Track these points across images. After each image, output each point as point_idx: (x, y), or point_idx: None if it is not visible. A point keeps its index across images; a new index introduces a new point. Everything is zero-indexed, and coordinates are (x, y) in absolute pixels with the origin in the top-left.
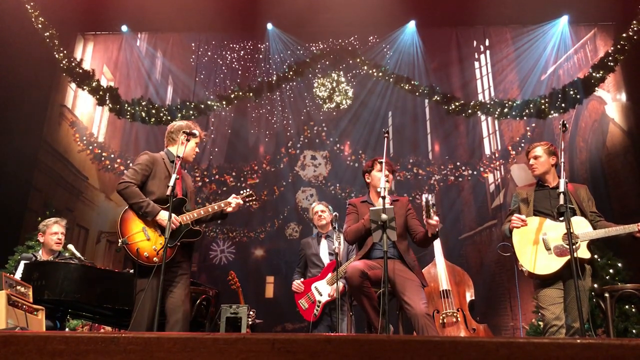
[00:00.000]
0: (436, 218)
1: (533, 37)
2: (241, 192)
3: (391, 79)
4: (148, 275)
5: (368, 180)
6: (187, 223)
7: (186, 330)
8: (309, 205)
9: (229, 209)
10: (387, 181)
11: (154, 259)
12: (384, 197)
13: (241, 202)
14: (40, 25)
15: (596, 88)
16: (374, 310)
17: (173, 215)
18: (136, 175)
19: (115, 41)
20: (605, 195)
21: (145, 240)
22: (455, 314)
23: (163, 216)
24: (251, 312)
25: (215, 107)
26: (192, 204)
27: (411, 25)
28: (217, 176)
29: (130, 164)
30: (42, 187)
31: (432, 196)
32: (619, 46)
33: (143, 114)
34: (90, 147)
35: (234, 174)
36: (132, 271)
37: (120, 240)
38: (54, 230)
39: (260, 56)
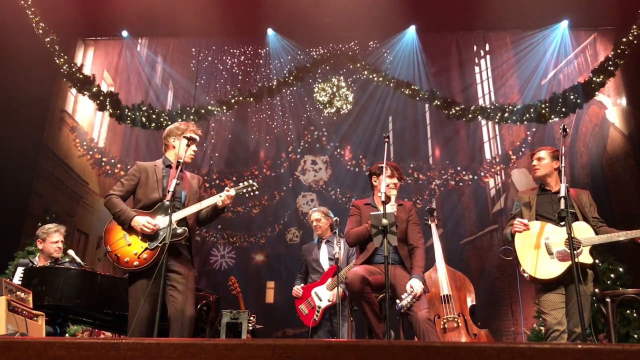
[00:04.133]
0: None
1: (533, 41)
2: (240, 184)
3: (391, 84)
4: (136, 282)
5: (375, 183)
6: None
7: (190, 335)
8: (310, 210)
9: (219, 203)
10: (395, 187)
11: (135, 262)
12: (384, 202)
13: (232, 193)
14: (40, 31)
15: (596, 92)
16: (374, 316)
17: (147, 218)
18: (121, 186)
19: (116, 46)
20: (606, 199)
21: (126, 246)
22: (456, 319)
23: (136, 222)
24: (251, 318)
25: (215, 112)
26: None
27: (411, 30)
28: (217, 181)
29: (130, 169)
30: (42, 192)
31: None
32: (619, 51)
33: (143, 119)
34: (91, 152)
35: (234, 178)
36: None
37: (105, 249)
38: (54, 239)
39: (261, 61)
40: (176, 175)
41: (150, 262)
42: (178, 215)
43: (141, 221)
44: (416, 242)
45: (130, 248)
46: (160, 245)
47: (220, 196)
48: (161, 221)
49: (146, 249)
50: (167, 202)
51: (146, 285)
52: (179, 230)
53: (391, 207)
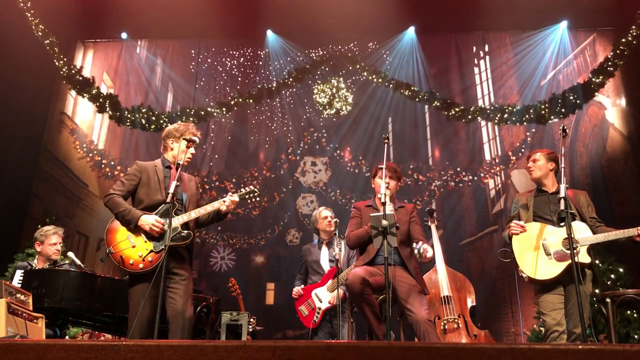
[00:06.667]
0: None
1: (532, 42)
2: (241, 189)
3: (391, 85)
4: (138, 284)
5: (374, 186)
6: (175, 227)
7: (189, 337)
8: (310, 212)
9: (223, 208)
10: (388, 187)
11: (140, 265)
12: (384, 204)
13: (236, 199)
14: (40, 33)
15: (596, 93)
16: (375, 317)
17: (155, 218)
18: (122, 186)
19: (115, 48)
20: (606, 200)
21: (130, 247)
22: (456, 320)
23: (144, 221)
24: (252, 319)
25: (215, 114)
26: (194, 207)
27: (410, 31)
28: (217, 183)
29: (130, 168)
30: (42, 194)
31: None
32: (618, 51)
33: (143, 121)
34: (90, 154)
35: (234, 180)
36: None
37: (107, 250)
38: (53, 241)
39: (260, 63)
40: (176, 177)
41: (156, 265)
42: (184, 219)
43: (150, 220)
44: (420, 238)
45: (135, 250)
46: (165, 247)
47: (225, 201)
48: (167, 223)
49: (151, 251)
50: (171, 204)
51: (147, 287)
52: (184, 234)
53: (387, 208)
